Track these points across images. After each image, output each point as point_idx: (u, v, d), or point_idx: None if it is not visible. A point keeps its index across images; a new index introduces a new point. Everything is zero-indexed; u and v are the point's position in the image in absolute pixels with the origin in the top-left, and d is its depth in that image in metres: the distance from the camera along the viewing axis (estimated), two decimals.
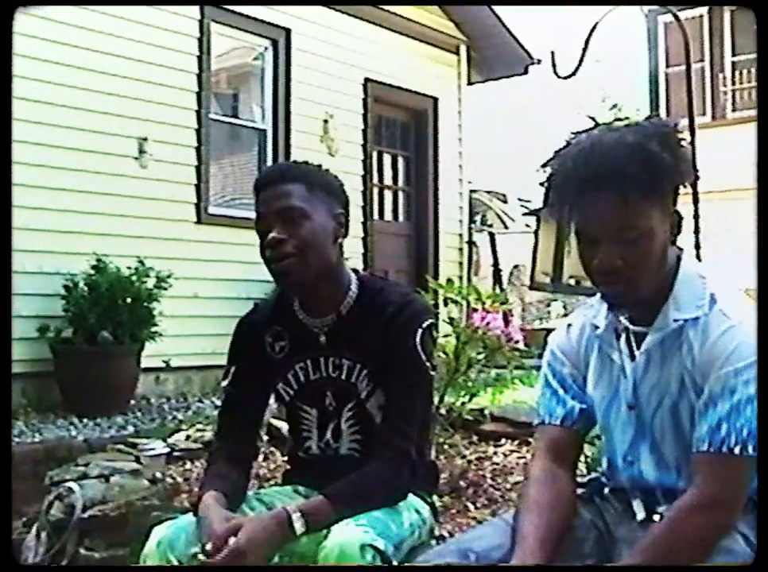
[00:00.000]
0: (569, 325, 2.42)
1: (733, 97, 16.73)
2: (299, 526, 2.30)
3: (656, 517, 2.13)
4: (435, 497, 2.79)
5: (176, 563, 2.35)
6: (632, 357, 2.22)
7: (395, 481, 2.47)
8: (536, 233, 4.92)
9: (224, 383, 2.75)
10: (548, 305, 13.84)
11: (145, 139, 7.91)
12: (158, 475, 4.26)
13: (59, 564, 3.61)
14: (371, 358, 2.58)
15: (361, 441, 2.64)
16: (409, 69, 10.80)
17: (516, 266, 13.64)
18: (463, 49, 11.63)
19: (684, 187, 2.20)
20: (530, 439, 3.53)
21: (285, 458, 2.94)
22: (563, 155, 2.16)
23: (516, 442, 4.79)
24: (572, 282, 4.63)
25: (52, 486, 3.98)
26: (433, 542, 2.60)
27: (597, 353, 2.31)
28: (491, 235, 12.35)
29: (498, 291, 11.16)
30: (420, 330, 2.55)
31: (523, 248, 9.53)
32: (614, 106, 17.18)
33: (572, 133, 2.21)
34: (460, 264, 11.50)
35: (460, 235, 11.58)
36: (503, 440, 4.89)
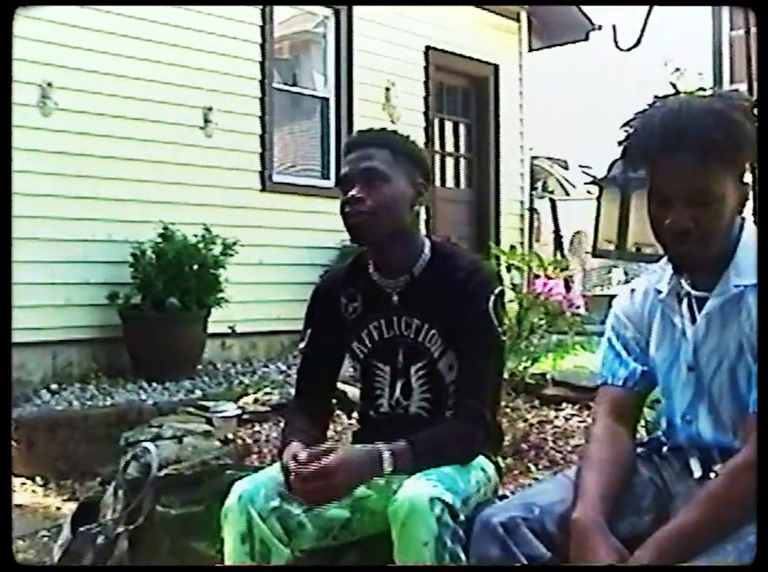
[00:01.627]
0: (633, 290, 2.47)
1: None
2: (387, 465, 2.39)
3: (712, 475, 2.18)
4: (499, 458, 2.87)
5: (256, 517, 2.46)
6: (693, 321, 2.27)
7: (471, 441, 2.56)
8: (598, 200, 4.93)
9: (301, 345, 2.88)
10: (609, 271, 13.76)
11: (210, 109, 8.03)
12: (230, 436, 4.37)
13: (135, 520, 3.74)
14: (441, 320, 2.67)
15: (430, 400, 2.72)
16: (470, 36, 10.80)
17: (577, 232, 13.58)
18: (523, 16, 11.61)
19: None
20: (591, 403, 3.58)
21: (356, 418, 3.04)
22: (648, 114, 2.20)
23: (577, 407, 4.81)
24: (634, 249, 4.65)
25: (127, 447, 4.10)
26: (497, 501, 2.65)
27: (660, 316, 2.37)
28: (552, 202, 12.34)
29: (559, 257, 11.17)
30: (492, 296, 2.64)
31: (584, 214, 9.50)
32: (677, 69, 16.87)
33: (655, 97, 2.26)
34: (521, 230, 11.53)
35: (521, 202, 11.61)
36: (564, 404, 4.92)
